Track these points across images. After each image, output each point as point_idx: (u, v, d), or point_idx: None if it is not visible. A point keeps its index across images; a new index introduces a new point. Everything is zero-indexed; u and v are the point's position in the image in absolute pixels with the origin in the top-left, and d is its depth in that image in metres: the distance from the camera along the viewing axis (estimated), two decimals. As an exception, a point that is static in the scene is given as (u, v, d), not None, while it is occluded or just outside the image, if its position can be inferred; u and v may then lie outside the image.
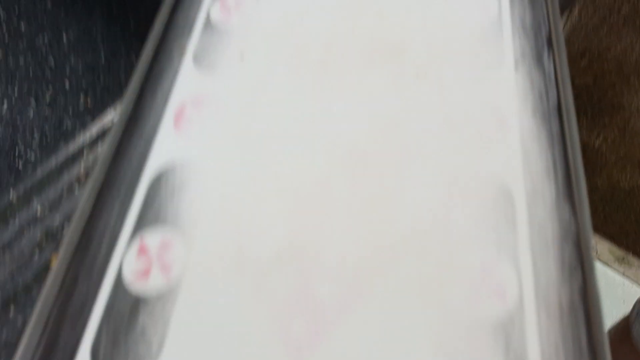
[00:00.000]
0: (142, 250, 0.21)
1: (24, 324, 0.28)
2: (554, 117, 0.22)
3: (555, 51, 0.24)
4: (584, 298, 0.17)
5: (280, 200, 0.22)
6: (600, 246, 1.11)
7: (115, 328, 0.19)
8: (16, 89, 0.44)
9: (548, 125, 0.22)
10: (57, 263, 0.21)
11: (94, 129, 0.35)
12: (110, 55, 0.40)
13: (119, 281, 0.20)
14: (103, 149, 0.24)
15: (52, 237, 0.29)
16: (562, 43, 0.24)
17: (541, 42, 0.25)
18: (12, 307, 0.27)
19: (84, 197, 0.22)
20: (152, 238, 0.21)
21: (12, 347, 0.28)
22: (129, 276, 0.20)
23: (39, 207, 0.31)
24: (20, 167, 0.43)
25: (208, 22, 0.28)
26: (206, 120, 0.25)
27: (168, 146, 0.24)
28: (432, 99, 0.24)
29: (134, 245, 0.21)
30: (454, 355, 0.17)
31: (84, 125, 0.38)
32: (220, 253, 0.21)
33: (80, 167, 0.33)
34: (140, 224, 0.22)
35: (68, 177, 0.32)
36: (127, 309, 0.20)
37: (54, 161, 0.35)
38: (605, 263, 1.14)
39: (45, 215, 0.30)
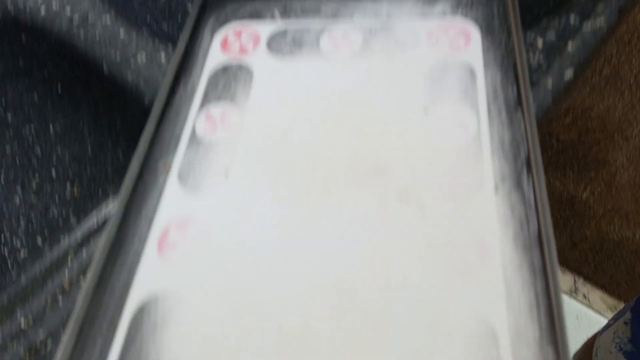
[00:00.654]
0: (123, 395, 0.21)
1: None
2: (535, 247, 0.22)
3: (534, 174, 0.24)
4: None
5: (263, 337, 0.22)
6: (592, 295, 1.11)
7: None
8: (2, 177, 0.45)
9: (530, 257, 0.22)
10: None
11: (78, 233, 0.35)
12: (97, 148, 0.41)
13: None
14: (86, 280, 0.23)
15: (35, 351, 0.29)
16: (540, 166, 0.25)
17: (520, 164, 0.25)
18: None
19: (65, 338, 0.22)
20: (141, 349, 0.21)
21: None
22: None
23: (22, 320, 0.30)
24: (6, 253, 0.44)
25: (193, 137, 0.29)
26: (190, 245, 0.25)
27: (151, 275, 0.24)
28: (414, 223, 0.24)
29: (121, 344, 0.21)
30: None
31: (70, 213, 0.38)
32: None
33: (65, 273, 0.33)
34: (126, 343, 0.21)
35: (52, 285, 0.32)
36: None
37: (40, 252, 0.35)
38: (599, 312, 1.14)
39: (28, 328, 0.30)
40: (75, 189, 0.43)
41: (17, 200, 0.45)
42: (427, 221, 0.24)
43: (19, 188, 0.45)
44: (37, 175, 0.45)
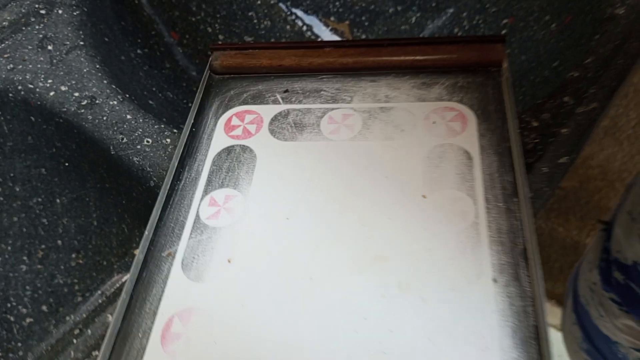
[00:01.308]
0: None
1: None
2: (533, 343, 0.23)
3: (531, 266, 0.25)
4: None
5: None
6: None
7: None
8: (9, 246, 0.45)
9: (527, 351, 0.23)
10: None
11: (83, 307, 0.36)
12: (102, 221, 0.41)
13: None
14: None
15: None
16: (537, 257, 0.25)
17: (517, 255, 0.26)
18: None
19: None
20: None
21: None
22: None
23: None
24: (12, 319, 0.44)
25: (197, 222, 0.29)
26: (192, 337, 0.25)
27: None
28: (414, 313, 0.25)
29: None
30: None
31: (74, 282, 0.39)
32: None
33: (70, 353, 0.33)
34: None
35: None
36: None
37: (46, 318, 0.35)
38: None
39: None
40: (80, 258, 0.44)
41: (24, 268, 0.46)
42: (427, 311, 0.25)
43: (25, 257, 0.46)
44: (43, 245, 0.45)
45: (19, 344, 0.42)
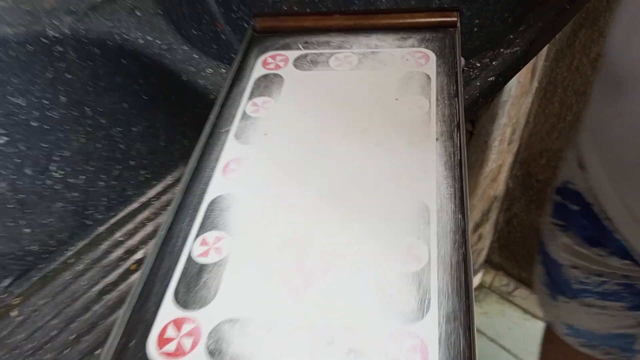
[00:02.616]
0: (204, 242, 0.34)
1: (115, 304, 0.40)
2: (457, 168, 0.37)
3: (460, 133, 0.39)
4: (465, 261, 0.31)
5: (289, 214, 0.36)
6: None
7: (188, 279, 0.32)
8: (92, 167, 0.60)
9: (452, 173, 0.36)
10: (151, 250, 0.34)
11: (151, 192, 0.49)
12: (168, 141, 0.56)
13: (190, 258, 0.33)
14: (178, 189, 0.38)
15: (131, 253, 0.42)
16: (464, 129, 0.39)
17: (453, 127, 0.40)
18: (105, 297, 0.40)
19: (168, 213, 0.36)
20: (209, 235, 0.35)
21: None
22: (196, 256, 0.34)
23: (118, 234, 0.44)
24: (90, 223, 0.58)
25: (244, 115, 0.44)
26: (242, 171, 0.39)
27: (218, 186, 0.38)
28: (385, 156, 0.39)
29: (198, 240, 0.35)
30: (387, 288, 0.30)
31: (142, 192, 0.52)
32: (250, 242, 0.34)
33: (149, 209, 0.47)
34: (202, 228, 0.35)
35: (139, 219, 0.46)
36: (195, 272, 0.33)
37: (119, 216, 0.49)
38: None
39: (123, 241, 0.44)
40: (148, 174, 0.58)
41: (102, 184, 0.60)
42: (393, 155, 0.38)
43: (103, 175, 0.61)
44: (119, 165, 0.60)
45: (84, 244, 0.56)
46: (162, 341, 0.30)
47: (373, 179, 0.37)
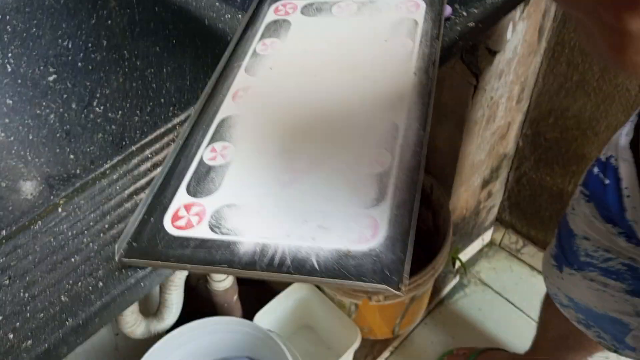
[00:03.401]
0: (213, 150, 0.42)
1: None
2: (426, 96, 0.43)
3: (434, 68, 0.45)
4: (418, 165, 0.37)
5: (285, 131, 0.43)
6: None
7: (198, 176, 0.40)
8: (128, 104, 0.68)
9: (422, 99, 0.43)
10: (170, 154, 0.42)
11: (176, 120, 0.57)
12: (193, 80, 0.64)
13: (201, 161, 0.41)
14: (194, 108, 0.46)
15: (156, 166, 0.51)
16: (437, 66, 0.45)
17: (429, 64, 0.46)
18: (135, 197, 0.48)
19: (185, 126, 0.44)
20: (218, 145, 0.43)
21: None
22: (206, 159, 0.42)
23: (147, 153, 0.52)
24: (131, 148, 0.66)
25: (254, 53, 0.51)
26: (249, 97, 0.47)
27: (228, 108, 0.46)
28: (370, 87, 0.45)
29: (209, 148, 0.42)
30: (355, 184, 0.37)
31: (171, 122, 0.59)
32: (251, 151, 0.42)
33: (174, 133, 0.55)
34: (212, 140, 0.43)
35: (165, 140, 0.54)
36: (204, 171, 0.41)
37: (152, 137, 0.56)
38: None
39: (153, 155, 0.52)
40: (176, 110, 0.67)
41: (136, 119, 0.69)
42: (377, 86, 0.45)
43: (138, 111, 0.69)
44: (151, 102, 0.68)
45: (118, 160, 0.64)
46: (175, 217, 0.38)
47: (357, 104, 0.44)
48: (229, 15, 0.57)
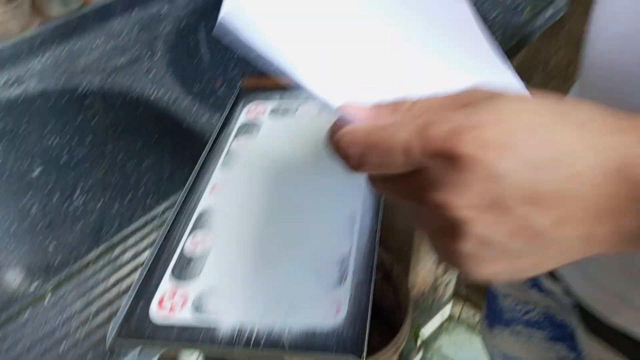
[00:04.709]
0: (194, 238, 0.48)
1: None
2: (380, 189, 0.50)
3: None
4: (373, 250, 0.44)
5: (258, 220, 0.49)
6: None
7: (181, 264, 0.45)
8: (108, 195, 0.74)
9: (376, 192, 0.50)
10: (155, 243, 0.47)
11: (155, 211, 0.62)
12: (171, 173, 0.70)
13: (184, 249, 0.47)
14: (177, 201, 0.52)
15: (138, 255, 0.55)
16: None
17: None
18: (118, 285, 0.53)
19: (169, 217, 0.49)
20: (198, 233, 0.48)
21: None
22: (188, 247, 0.47)
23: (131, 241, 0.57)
24: (105, 240, 0.70)
25: (229, 151, 0.58)
26: (226, 190, 0.53)
27: (207, 201, 0.52)
28: (330, 181, 0.52)
29: (191, 236, 0.48)
30: (320, 268, 0.43)
31: (149, 214, 0.64)
32: (228, 238, 0.47)
33: (153, 223, 0.60)
34: (193, 229, 0.49)
35: (145, 230, 0.59)
36: (187, 258, 0.46)
37: (129, 231, 0.61)
38: None
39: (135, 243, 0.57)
40: (154, 199, 0.72)
41: (116, 207, 0.74)
42: (337, 179, 0.52)
43: (117, 202, 0.74)
44: (131, 191, 0.74)
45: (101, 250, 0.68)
46: (161, 303, 0.43)
47: (320, 197, 0.51)
48: (206, 117, 0.64)
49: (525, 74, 0.86)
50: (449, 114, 0.23)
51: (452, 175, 0.22)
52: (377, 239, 0.45)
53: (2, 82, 0.71)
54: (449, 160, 0.21)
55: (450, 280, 1.22)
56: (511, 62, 0.70)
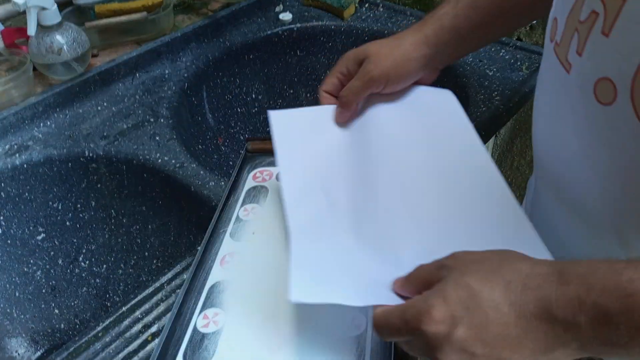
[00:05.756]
0: (205, 317, 0.47)
1: None
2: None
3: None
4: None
5: (270, 297, 0.49)
6: None
7: (193, 345, 0.45)
8: (113, 258, 0.73)
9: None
10: (166, 324, 0.47)
11: (163, 279, 0.62)
12: (177, 236, 0.69)
13: (195, 329, 0.46)
14: (186, 276, 0.51)
15: (148, 327, 0.55)
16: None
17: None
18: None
19: (179, 295, 0.49)
20: (210, 311, 0.48)
21: None
22: (200, 327, 0.47)
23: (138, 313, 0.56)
24: (109, 304, 0.70)
25: (237, 218, 0.58)
26: (235, 262, 0.53)
27: (216, 274, 0.51)
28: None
29: (202, 315, 0.48)
30: (335, 349, 0.43)
31: (155, 279, 0.64)
32: (240, 317, 0.47)
33: (162, 292, 0.59)
34: (204, 307, 0.48)
35: (154, 300, 0.58)
36: (199, 339, 0.45)
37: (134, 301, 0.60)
38: None
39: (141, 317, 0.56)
40: (159, 263, 0.72)
41: (120, 272, 0.74)
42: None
43: (122, 264, 0.74)
44: (135, 256, 0.73)
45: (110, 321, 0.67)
46: (175, 389, 0.42)
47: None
48: (213, 183, 0.65)
49: (525, 125, 0.88)
50: (421, 297, 0.36)
51: (426, 339, 0.34)
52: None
53: (6, 149, 0.71)
54: (419, 334, 0.35)
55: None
56: (510, 118, 0.70)
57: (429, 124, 0.58)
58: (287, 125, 0.60)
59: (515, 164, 0.94)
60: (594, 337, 0.30)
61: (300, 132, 0.60)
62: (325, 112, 0.61)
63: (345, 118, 0.59)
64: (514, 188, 0.99)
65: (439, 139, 0.56)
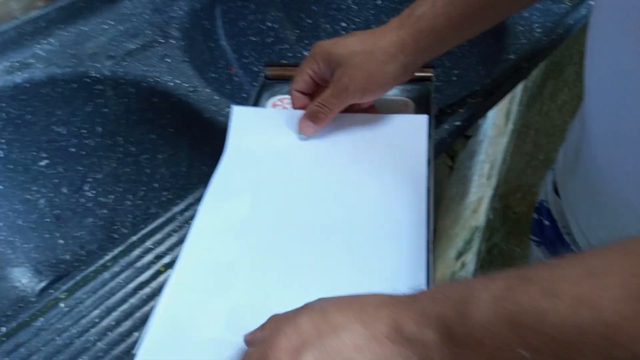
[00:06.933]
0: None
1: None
2: (429, 191, 0.46)
3: (430, 166, 0.49)
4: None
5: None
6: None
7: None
8: (120, 188, 0.70)
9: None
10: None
11: (175, 209, 0.58)
12: (189, 167, 0.65)
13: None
14: (199, 208, 0.47)
15: (160, 258, 0.51)
16: (432, 163, 0.49)
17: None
18: (139, 292, 0.49)
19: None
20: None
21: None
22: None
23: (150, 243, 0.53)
24: (116, 236, 0.67)
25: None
26: (254, 193, 0.49)
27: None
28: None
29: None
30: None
31: (165, 210, 0.60)
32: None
33: (175, 222, 0.56)
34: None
35: (166, 230, 0.55)
36: (217, 269, 0.42)
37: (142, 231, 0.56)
38: None
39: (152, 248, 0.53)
40: (170, 195, 0.68)
41: (129, 203, 0.70)
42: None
43: (130, 195, 0.70)
44: (144, 187, 0.70)
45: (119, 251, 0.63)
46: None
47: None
48: (228, 109, 0.60)
49: (558, 67, 0.82)
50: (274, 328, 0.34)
51: None
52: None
53: (7, 66, 0.66)
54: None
55: (466, 276, 1.19)
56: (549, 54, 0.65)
57: (382, 156, 0.53)
58: (247, 122, 0.55)
59: (545, 109, 0.89)
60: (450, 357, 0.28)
61: (258, 133, 0.55)
62: (289, 117, 0.56)
63: (311, 132, 0.54)
64: (542, 135, 0.95)
65: (382, 172, 0.51)
